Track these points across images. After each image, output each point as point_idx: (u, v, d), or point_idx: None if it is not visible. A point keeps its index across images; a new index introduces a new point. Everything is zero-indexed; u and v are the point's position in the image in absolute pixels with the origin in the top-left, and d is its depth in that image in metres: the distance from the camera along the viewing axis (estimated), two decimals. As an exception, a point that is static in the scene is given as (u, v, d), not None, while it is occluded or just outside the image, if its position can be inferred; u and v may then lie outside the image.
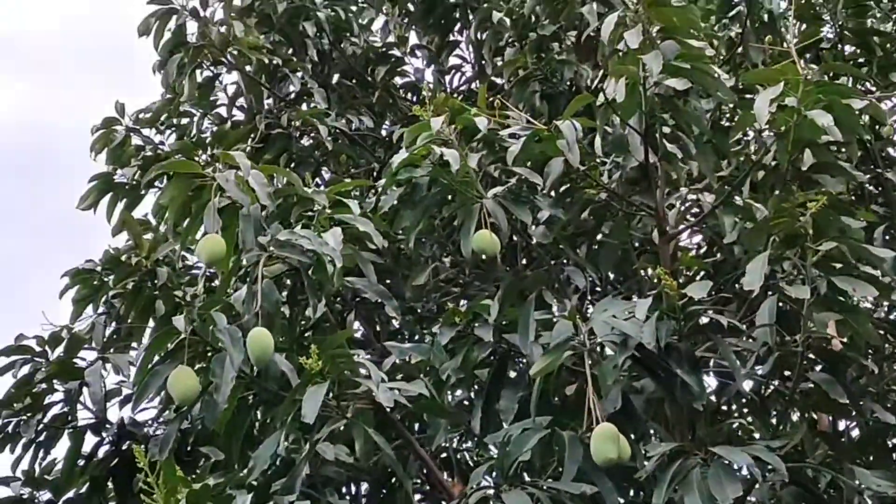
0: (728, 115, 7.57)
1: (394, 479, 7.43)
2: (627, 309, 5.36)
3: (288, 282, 6.15)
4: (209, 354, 5.66)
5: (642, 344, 5.24)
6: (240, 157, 5.67)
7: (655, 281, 5.36)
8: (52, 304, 8.02)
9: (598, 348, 5.49)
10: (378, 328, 8.20)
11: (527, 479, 5.58)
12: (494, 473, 5.54)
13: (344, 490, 7.20)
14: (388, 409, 5.84)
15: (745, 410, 7.04)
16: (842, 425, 7.40)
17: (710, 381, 6.86)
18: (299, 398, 5.35)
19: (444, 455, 7.67)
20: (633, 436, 5.61)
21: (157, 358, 5.72)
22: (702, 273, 6.78)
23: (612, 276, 7.71)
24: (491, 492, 5.42)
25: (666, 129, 6.39)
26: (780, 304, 5.57)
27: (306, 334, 6.42)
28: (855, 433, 7.36)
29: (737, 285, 6.61)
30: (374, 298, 5.97)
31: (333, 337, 5.51)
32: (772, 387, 6.48)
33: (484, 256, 5.98)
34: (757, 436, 7.19)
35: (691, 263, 6.91)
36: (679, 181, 6.82)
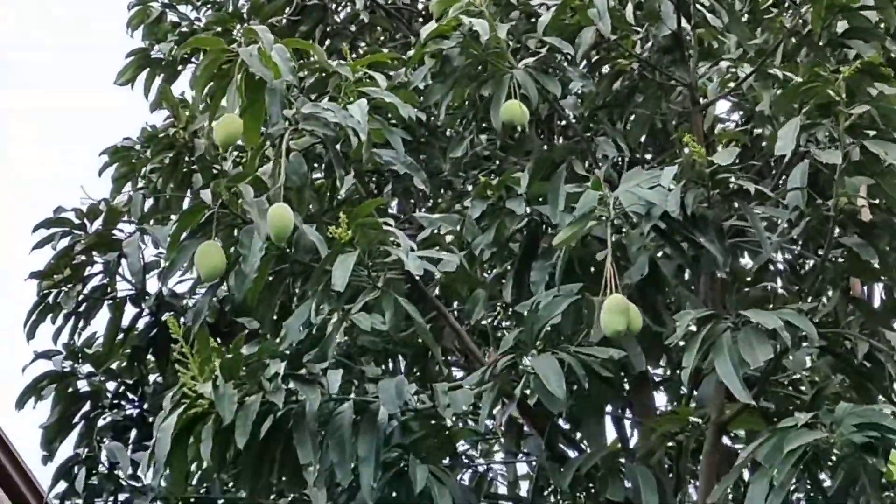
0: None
1: (430, 352, 7.50)
2: (653, 178, 5.34)
3: (321, 154, 6.16)
4: (238, 227, 5.71)
5: (668, 213, 5.23)
6: (262, 31, 5.64)
7: (685, 149, 5.32)
8: (92, 181, 8.09)
9: (626, 218, 5.47)
10: (414, 203, 8.21)
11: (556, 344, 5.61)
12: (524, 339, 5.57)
13: (381, 362, 7.28)
14: (419, 280, 5.91)
15: (778, 280, 7.02)
16: (876, 293, 7.36)
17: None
18: (329, 268, 5.39)
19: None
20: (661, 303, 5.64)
21: (186, 233, 5.79)
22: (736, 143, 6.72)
23: (649, 149, 7.65)
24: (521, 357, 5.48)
25: (699, -3, 6.31)
26: (812, 171, 5.53)
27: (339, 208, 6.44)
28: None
29: (771, 160, 6.58)
30: (402, 170, 5.97)
31: (363, 206, 5.52)
32: (804, 254, 6.45)
33: (516, 128, 5.96)
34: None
35: (726, 136, 6.84)
36: (713, 51, 6.73)
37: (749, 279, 6.67)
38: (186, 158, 7.55)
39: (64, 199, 7.35)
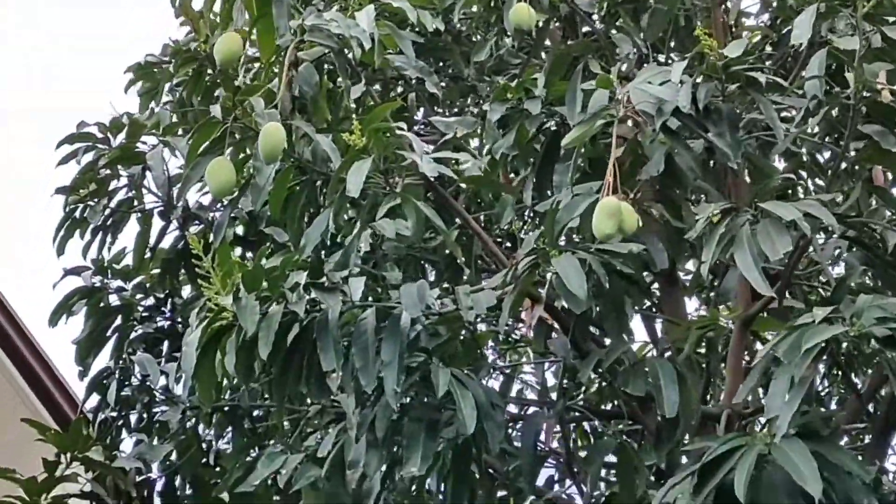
0: None
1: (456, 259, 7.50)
2: (664, 74, 5.27)
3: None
4: (252, 141, 5.71)
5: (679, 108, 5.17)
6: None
7: (700, 43, 5.24)
8: (118, 97, 8.10)
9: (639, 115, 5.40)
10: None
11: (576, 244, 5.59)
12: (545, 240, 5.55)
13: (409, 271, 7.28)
14: (439, 187, 5.89)
15: (803, 174, 6.96)
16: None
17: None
18: (345, 176, 5.39)
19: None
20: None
21: (199, 150, 5.80)
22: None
23: (672, 47, 7.54)
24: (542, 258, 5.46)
25: None
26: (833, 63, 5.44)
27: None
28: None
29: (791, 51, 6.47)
30: (414, 75, 5.94)
31: (376, 111, 5.49)
32: (824, 145, 6.37)
33: (529, 31, 5.90)
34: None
35: (750, 30, 6.74)
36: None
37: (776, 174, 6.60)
38: (209, 72, 7.53)
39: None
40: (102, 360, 7.33)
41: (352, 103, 6.07)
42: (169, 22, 8.00)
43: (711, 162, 5.95)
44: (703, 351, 6.65)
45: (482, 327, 6.77)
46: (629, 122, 5.27)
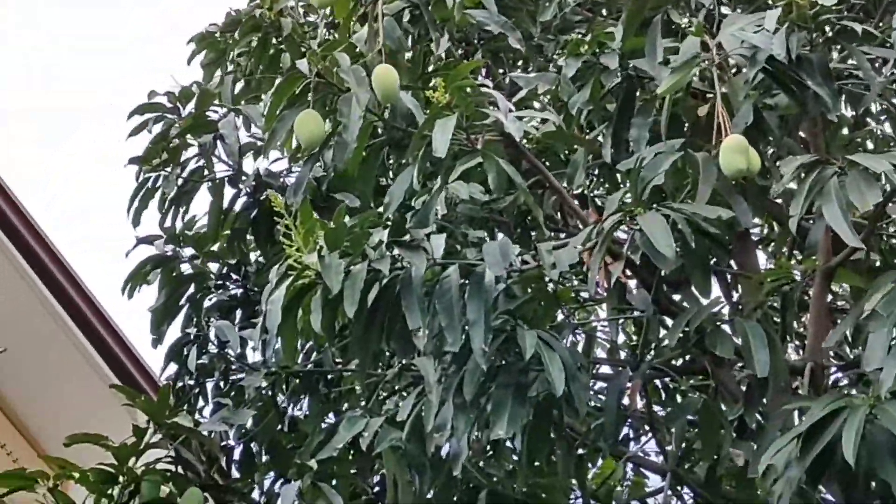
0: None
1: (529, 218, 7.46)
2: (756, 22, 5.21)
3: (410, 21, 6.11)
4: (335, 97, 5.68)
5: (773, 57, 5.12)
6: None
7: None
8: (181, 70, 8.10)
9: (727, 64, 5.36)
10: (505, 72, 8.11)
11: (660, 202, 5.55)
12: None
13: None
14: (518, 142, 5.85)
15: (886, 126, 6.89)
16: None
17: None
18: (428, 133, 5.36)
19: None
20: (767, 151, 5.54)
21: (283, 104, 5.78)
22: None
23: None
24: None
25: None
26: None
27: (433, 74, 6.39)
28: None
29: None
30: (497, 30, 5.90)
31: (459, 68, 5.47)
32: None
33: None
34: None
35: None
36: None
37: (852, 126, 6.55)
38: (274, 39, 7.52)
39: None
40: (175, 329, 7.34)
41: (440, 55, 6.03)
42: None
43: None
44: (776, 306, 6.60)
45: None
46: (716, 73, 5.21)
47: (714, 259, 5.95)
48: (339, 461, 6.33)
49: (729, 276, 6.86)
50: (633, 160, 5.56)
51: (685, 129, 5.97)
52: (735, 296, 6.78)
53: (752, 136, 5.51)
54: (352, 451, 6.53)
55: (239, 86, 7.58)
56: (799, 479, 4.82)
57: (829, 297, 6.66)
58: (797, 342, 7.11)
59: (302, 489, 6.04)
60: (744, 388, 5.83)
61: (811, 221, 5.86)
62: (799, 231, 5.83)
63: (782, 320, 6.40)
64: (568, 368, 5.33)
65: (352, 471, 6.51)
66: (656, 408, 6.84)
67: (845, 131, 7.02)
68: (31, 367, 9.42)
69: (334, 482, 6.19)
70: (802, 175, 5.24)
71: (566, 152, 6.52)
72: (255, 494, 7.08)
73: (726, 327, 5.88)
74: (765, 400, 5.78)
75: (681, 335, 5.79)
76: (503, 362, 5.55)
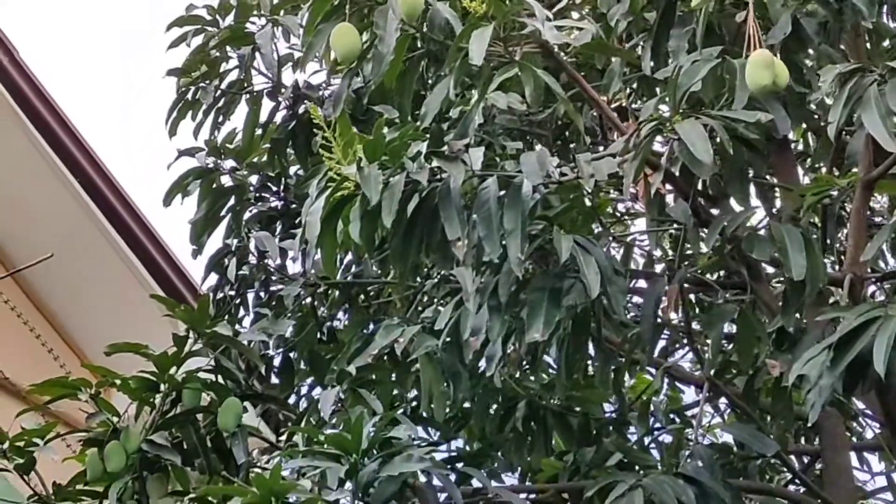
0: None
1: (567, 132, 7.46)
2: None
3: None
4: (371, 9, 5.68)
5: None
6: None
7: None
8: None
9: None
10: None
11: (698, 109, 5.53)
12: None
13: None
14: (556, 53, 5.83)
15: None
16: None
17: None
18: (465, 44, 5.35)
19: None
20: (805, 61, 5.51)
21: (320, 17, 5.77)
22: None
23: None
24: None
25: None
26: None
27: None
28: None
29: None
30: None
31: (496, -22, 5.44)
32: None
33: None
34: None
35: None
36: None
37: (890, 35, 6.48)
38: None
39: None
40: (215, 240, 7.41)
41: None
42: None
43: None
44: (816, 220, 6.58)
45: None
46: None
47: (752, 170, 5.93)
48: (377, 368, 6.37)
49: (768, 190, 6.85)
50: (671, 68, 5.54)
51: (725, 41, 5.94)
52: (774, 211, 6.77)
53: (791, 45, 5.48)
54: (388, 360, 6.57)
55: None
56: (832, 387, 4.82)
57: (867, 212, 6.64)
58: (835, 258, 7.08)
59: (341, 394, 6.10)
60: (780, 304, 5.81)
61: (850, 136, 5.85)
62: (838, 143, 5.83)
63: (822, 233, 6.38)
64: (604, 271, 5.31)
65: (391, 378, 6.56)
66: (693, 322, 6.86)
67: (886, 43, 6.95)
68: (75, 276, 9.53)
69: (373, 390, 6.24)
70: (842, 83, 5.19)
71: (604, 65, 6.48)
72: (294, 401, 7.19)
73: (763, 234, 5.87)
74: (802, 311, 5.78)
75: (717, 243, 5.79)
76: (538, 268, 5.57)
